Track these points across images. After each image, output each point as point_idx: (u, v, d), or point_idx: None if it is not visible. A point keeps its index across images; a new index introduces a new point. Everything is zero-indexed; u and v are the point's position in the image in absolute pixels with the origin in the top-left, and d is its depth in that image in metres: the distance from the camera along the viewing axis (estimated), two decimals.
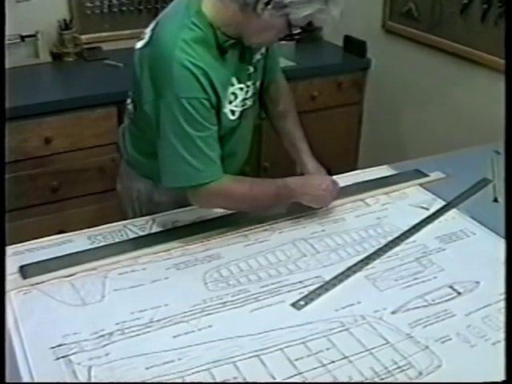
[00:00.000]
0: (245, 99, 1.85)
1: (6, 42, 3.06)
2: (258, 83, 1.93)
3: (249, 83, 1.85)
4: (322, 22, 1.65)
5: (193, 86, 1.63)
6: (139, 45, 1.75)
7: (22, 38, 3.12)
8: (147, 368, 1.33)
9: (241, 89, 1.81)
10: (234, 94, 1.79)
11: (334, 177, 2.08)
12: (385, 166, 2.24)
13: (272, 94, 2.09)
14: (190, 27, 1.64)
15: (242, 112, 1.85)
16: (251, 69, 1.85)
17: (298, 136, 2.06)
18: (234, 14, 1.64)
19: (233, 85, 1.78)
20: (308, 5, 1.58)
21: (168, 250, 1.74)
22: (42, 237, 1.80)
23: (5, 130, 2.43)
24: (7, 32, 3.03)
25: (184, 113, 1.64)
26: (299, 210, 1.91)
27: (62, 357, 1.36)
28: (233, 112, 1.80)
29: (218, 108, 1.73)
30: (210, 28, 1.67)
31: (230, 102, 1.79)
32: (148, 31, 1.75)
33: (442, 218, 1.91)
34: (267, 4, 1.58)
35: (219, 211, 1.87)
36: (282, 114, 2.09)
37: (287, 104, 2.11)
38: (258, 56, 1.87)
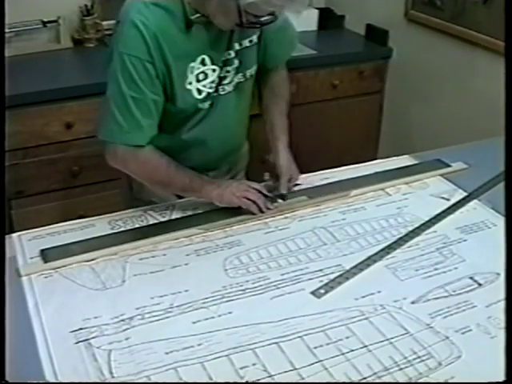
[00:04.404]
0: (220, 84, 1.82)
1: (28, 27, 3.08)
2: (247, 72, 1.88)
3: (229, 68, 1.82)
4: (262, 12, 1.60)
5: (137, 45, 1.63)
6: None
7: (44, 23, 3.13)
8: (167, 353, 1.33)
9: (213, 70, 1.78)
10: (204, 73, 1.76)
11: (355, 165, 2.09)
12: (406, 156, 2.23)
13: (270, 82, 2.04)
14: None
15: (213, 96, 1.82)
16: (232, 54, 1.80)
17: (280, 125, 2.01)
18: None
19: (204, 64, 1.75)
20: None
21: (188, 236, 1.74)
22: (63, 221, 1.81)
23: (4, 125, 2.43)
24: (29, 17, 3.05)
25: (122, 68, 1.64)
26: (320, 198, 1.91)
27: (82, 340, 1.36)
28: (199, 91, 1.78)
29: (170, 81, 1.71)
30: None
31: (198, 81, 1.76)
32: None
33: (463, 209, 1.90)
34: None
35: None
36: (272, 101, 2.04)
37: (281, 92, 2.06)
38: (245, 43, 1.83)
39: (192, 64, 1.74)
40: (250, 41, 1.84)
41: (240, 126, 2.03)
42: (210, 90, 1.81)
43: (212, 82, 1.79)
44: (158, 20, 1.63)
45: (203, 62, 1.75)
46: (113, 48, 1.67)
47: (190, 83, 1.75)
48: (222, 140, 1.95)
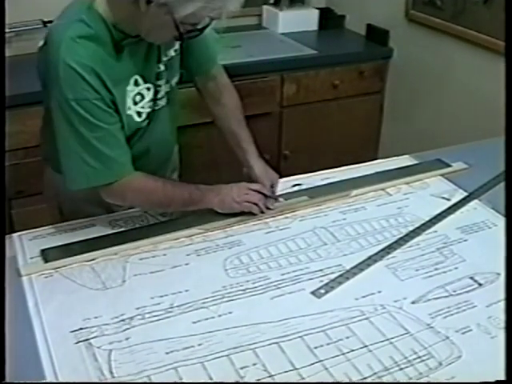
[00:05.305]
0: (155, 100, 1.78)
1: (28, 27, 3.08)
2: (173, 81, 1.85)
3: (160, 82, 1.78)
4: (205, 19, 1.56)
5: (80, 87, 1.55)
6: (40, 43, 1.66)
7: (44, 23, 3.12)
8: (167, 353, 1.33)
9: (148, 89, 1.73)
10: (140, 94, 1.71)
11: (355, 165, 2.09)
12: (406, 156, 2.23)
13: (211, 92, 2.00)
14: (78, 24, 1.56)
15: (151, 113, 1.78)
16: (162, 67, 1.76)
17: (243, 137, 1.98)
18: (124, 11, 1.56)
19: (138, 84, 1.70)
20: (189, 2, 1.48)
21: (189, 236, 1.74)
22: (63, 221, 1.81)
23: (5, 125, 2.43)
24: (29, 17, 3.05)
25: (75, 114, 1.56)
26: (320, 198, 1.91)
27: (83, 340, 1.36)
28: (139, 114, 1.73)
29: (117, 109, 1.66)
30: (103, 24, 1.58)
31: (136, 103, 1.71)
32: (48, 29, 1.66)
33: (463, 209, 1.90)
34: (148, 2, 1.49)
35: None
36: (224, 113, 2.00)
37: (229, 102, 2.00)
38: (171, 53, 1.79)
39: (128, 88, 1.69)
40: (175, 50, 1.80)
41: (173, 134, 2.01)
42: (149, 110, 1.77)
43: (150, 100, 1.75)
44: (90, 53, 1.56)
45: (136, 83, 1.70)
46: (51, 91, 1.60)
47: (129, 108, 1.70)
48: (158, 152, 1.92)
